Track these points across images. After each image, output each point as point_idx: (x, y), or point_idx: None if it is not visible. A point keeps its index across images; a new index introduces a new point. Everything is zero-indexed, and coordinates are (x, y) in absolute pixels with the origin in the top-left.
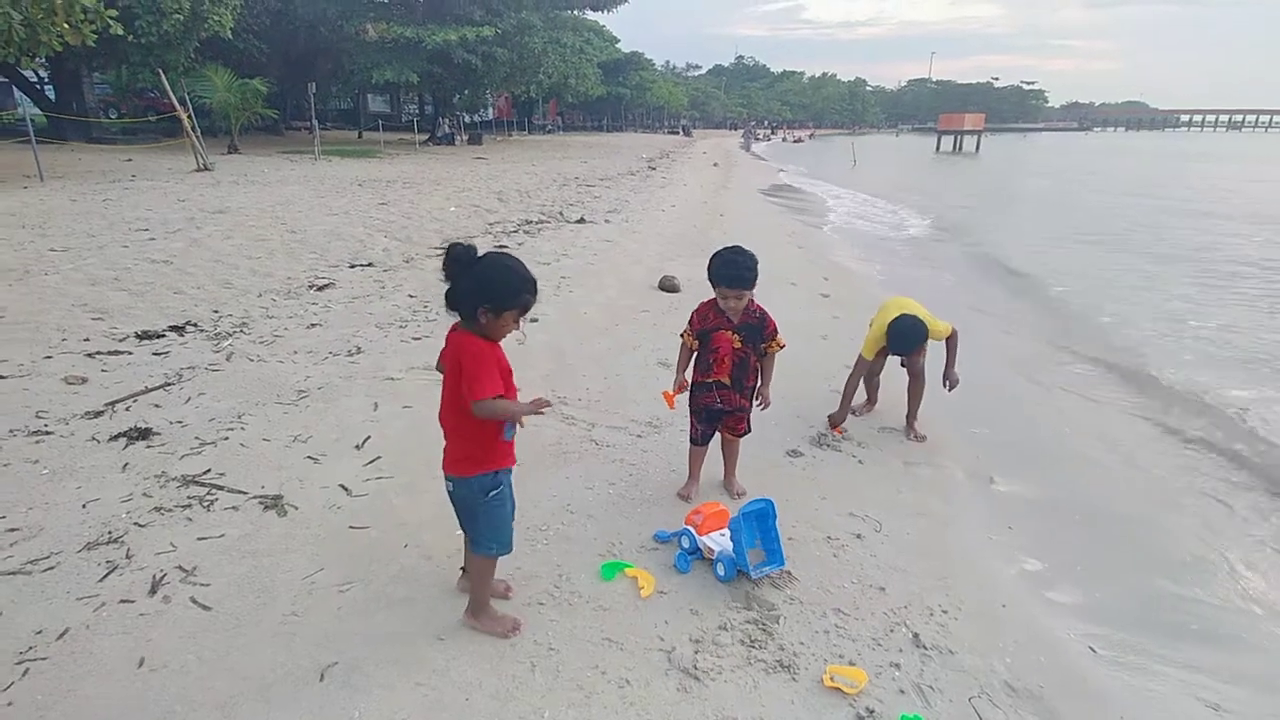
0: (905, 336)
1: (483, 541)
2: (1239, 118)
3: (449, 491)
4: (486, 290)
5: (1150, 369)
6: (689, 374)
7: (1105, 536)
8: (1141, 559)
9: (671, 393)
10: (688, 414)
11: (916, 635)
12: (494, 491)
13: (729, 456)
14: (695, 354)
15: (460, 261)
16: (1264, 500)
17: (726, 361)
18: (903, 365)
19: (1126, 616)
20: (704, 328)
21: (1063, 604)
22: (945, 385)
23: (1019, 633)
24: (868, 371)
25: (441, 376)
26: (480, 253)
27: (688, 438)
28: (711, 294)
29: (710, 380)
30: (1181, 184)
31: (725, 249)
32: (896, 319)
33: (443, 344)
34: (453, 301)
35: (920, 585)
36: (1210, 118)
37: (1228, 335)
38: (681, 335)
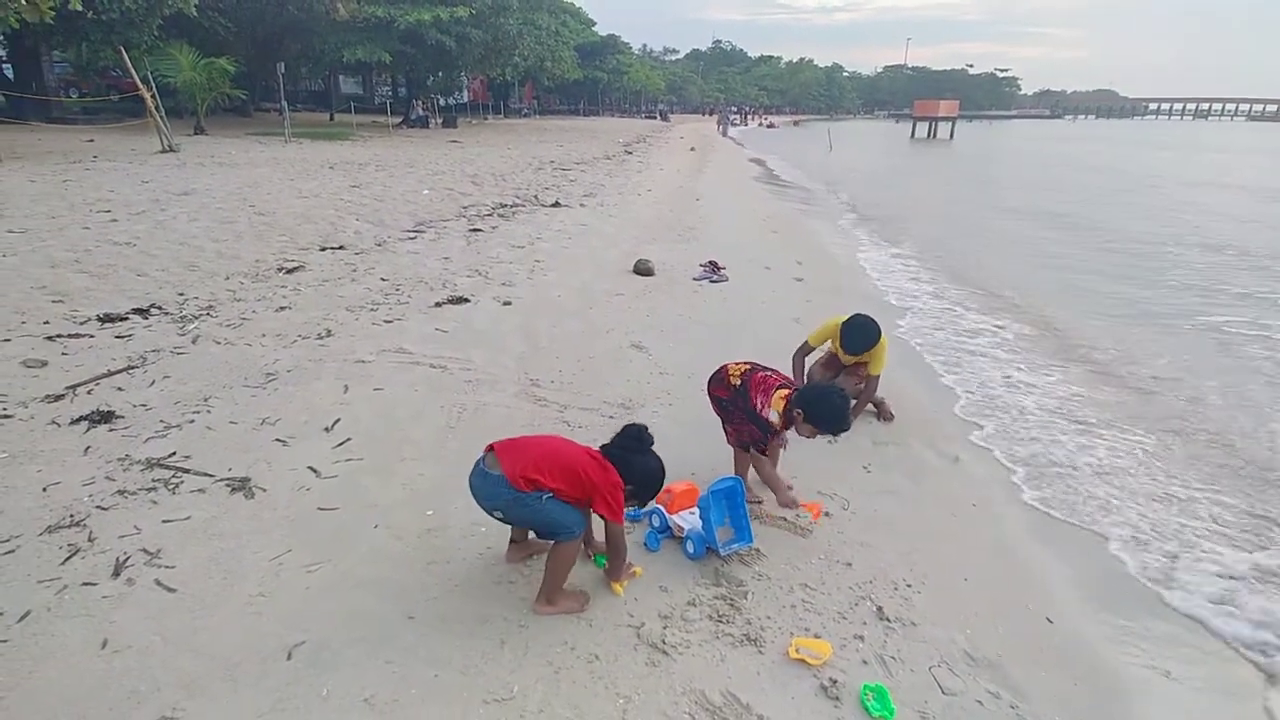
0: (857, 331)
1: (562, 530)
2: (1205, 106)
3: (505, 502)
4: (643, 486)
5: (1114, 352)
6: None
7: (1063, 513)
8: (1100, 537)
9: None
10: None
11: (880, 608)
12: (546, 494)
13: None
14: None
15: (642, 440)
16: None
17: None
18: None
19: (1083, 590)
20: None
21: (1022, 577)
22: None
23: (979, 605)
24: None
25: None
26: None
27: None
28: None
29: None
30: None
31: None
32: (853, 316)
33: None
34: (619, 466)
35: (885, 561)
36: (1177, 106)
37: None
38: None
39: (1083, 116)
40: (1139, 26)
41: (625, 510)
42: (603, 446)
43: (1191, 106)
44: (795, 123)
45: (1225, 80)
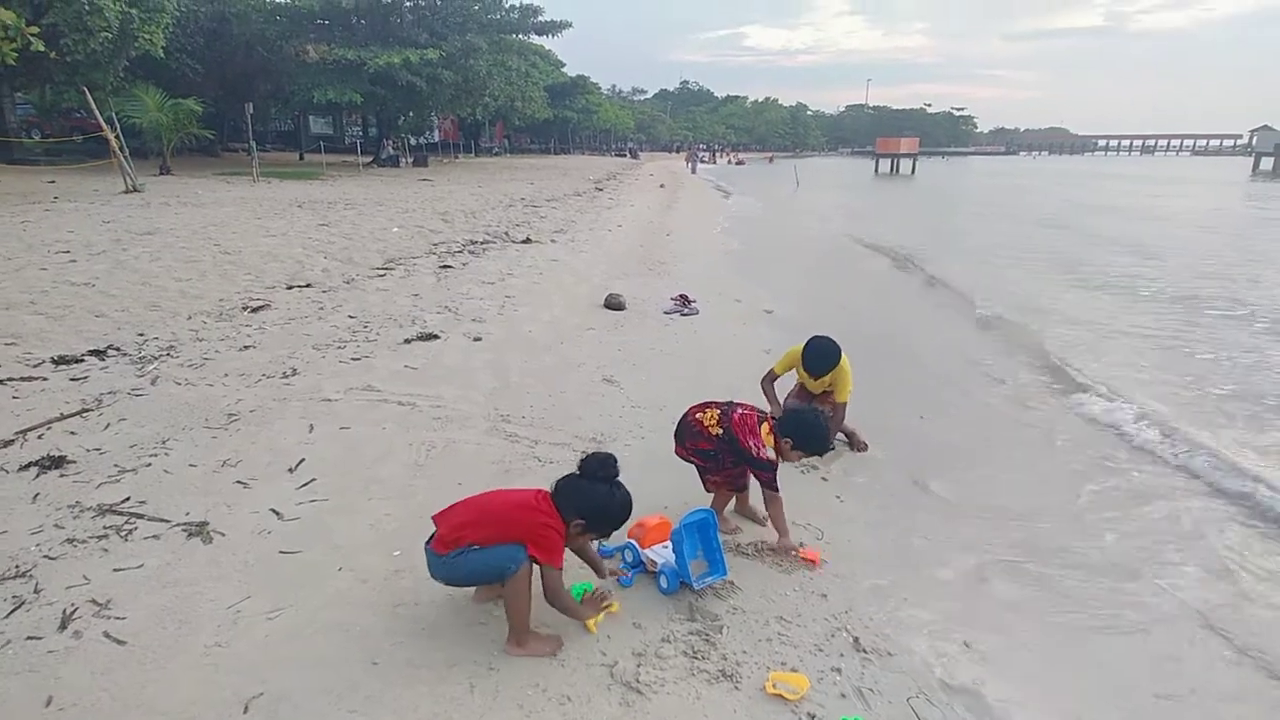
0: (817, 352)
1: (502, 569)
2: (1151, 142)
3: (436, 569)
4: (596, 517)
5: (1072, 371)
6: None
7: (1036, 537)
8: (1067, 558)
9: None
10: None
11: (857, 639)
12: (468, 546)
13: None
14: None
15: (604, 467)
16: (1191, 505)
17: None
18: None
19: (1057, 610)
20: None
21: (996, 602)
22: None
23: (956, 633)
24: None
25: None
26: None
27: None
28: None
29: None
30: None
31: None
32: (812, 338)
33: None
34: (565, 495)
35: (860, 590)
36: (1125, 143)
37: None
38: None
39: (1037, 153)
40: (1087, 68)
41: (599, 544)
42: (562, 477)
43: (1139, 142)
44: (770, 159)
45: (1168, 117)
